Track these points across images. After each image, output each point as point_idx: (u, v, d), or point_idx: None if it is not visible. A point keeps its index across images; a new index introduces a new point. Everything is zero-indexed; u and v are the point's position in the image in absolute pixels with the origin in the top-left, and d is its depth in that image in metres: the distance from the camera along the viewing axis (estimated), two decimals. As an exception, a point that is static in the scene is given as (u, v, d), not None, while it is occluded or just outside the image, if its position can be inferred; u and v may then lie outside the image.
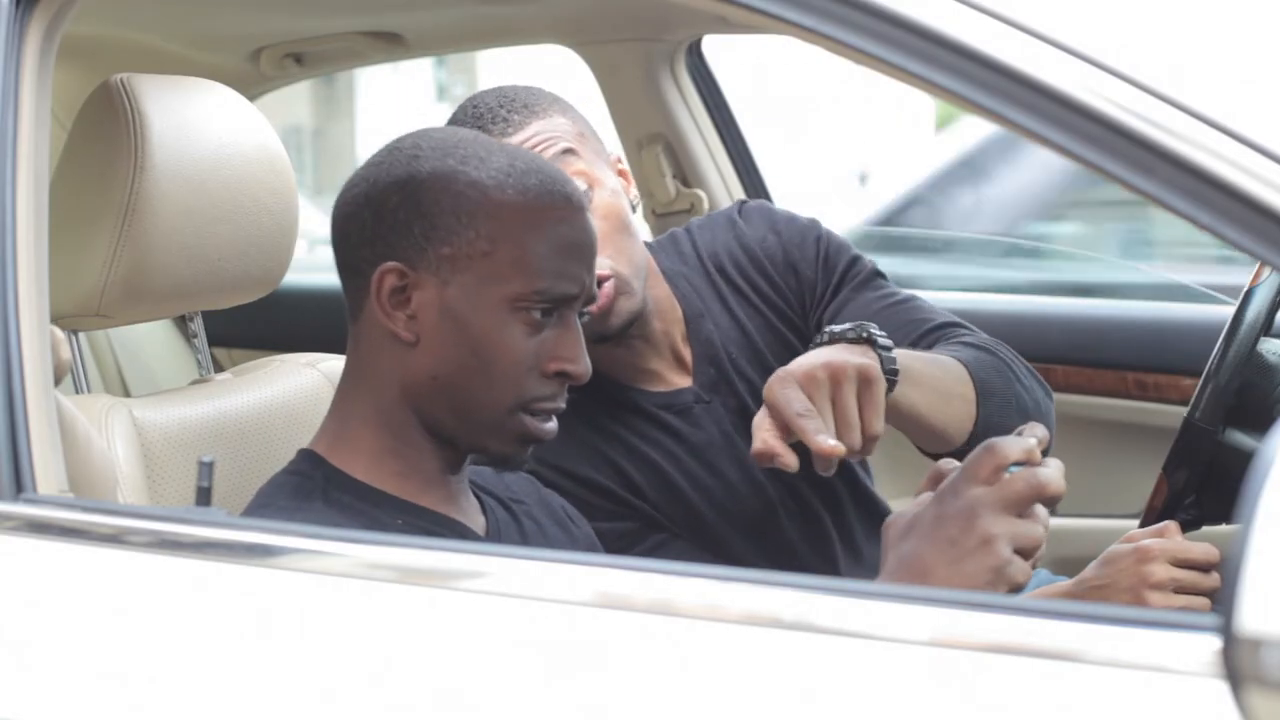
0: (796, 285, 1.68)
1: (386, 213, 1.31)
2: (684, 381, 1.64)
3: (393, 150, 1.35)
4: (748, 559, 1.57)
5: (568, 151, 1.51)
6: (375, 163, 1.35)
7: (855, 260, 1.68)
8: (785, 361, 1.61)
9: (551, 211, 1.30)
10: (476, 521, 1.39)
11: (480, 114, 1.53)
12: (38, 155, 1.20)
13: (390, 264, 1.30)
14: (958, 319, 1.65)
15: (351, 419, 1.35)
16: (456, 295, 1.29)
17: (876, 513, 1.70)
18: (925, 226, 5.11)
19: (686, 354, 1.65)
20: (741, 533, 1.60)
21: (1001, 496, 1.11)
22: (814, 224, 1.71)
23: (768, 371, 1.63)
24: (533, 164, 1.33)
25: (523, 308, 1.29)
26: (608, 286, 1.52)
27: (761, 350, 1.67)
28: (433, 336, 1.30)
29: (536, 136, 1.50)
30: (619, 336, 1.57)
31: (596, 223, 1.46)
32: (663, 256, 1.69)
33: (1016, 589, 1.11)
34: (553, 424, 1.34)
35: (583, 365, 1.32)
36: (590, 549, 1.48)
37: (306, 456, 1.36)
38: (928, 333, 1.61)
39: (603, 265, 1.50)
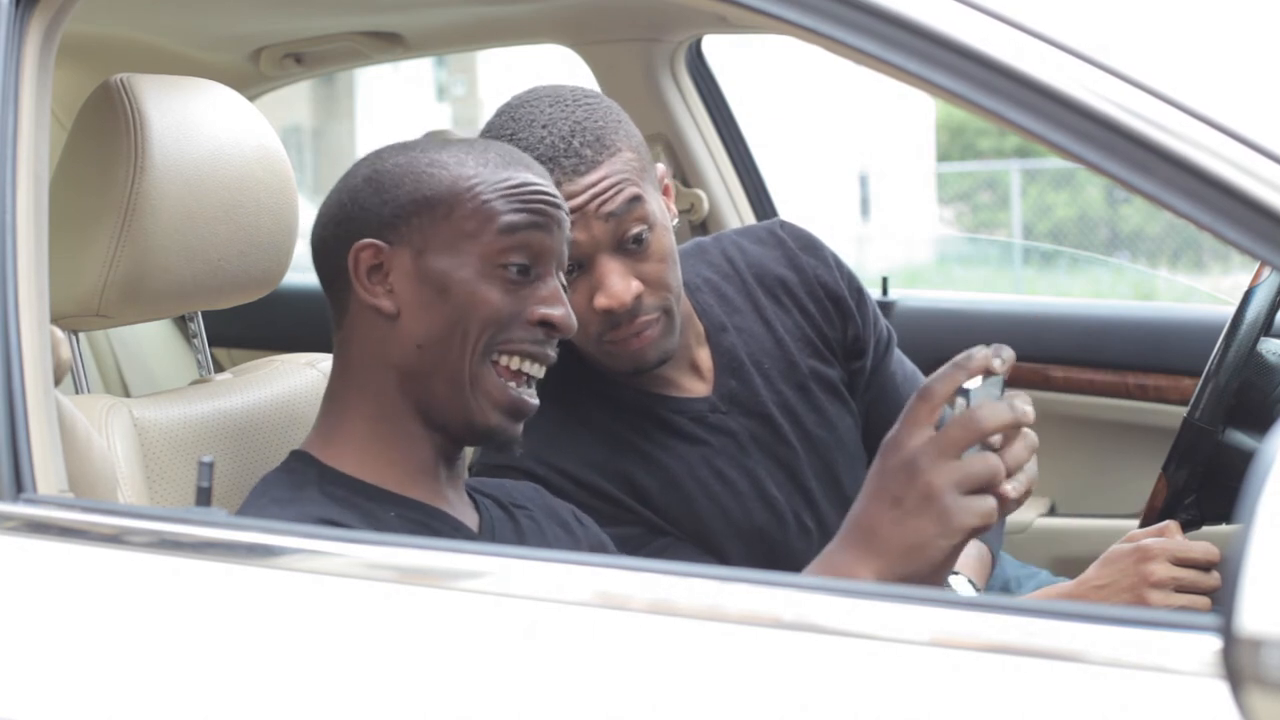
0: (841, 323, 1.72)
1: (356, 207, 1.36)
2: (701, 390, 1.64)
3: (357, 163, 1.41)
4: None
5: (634, 199, 1.49)
6: (343, 177, 1.41)
7: (883, 323, 1.76)
8: (820, 380, 1.69)
9: (513, 173, 1.35)
10: (469, 517, 1.40)
11: (553, 144, 1.48)
12: (38, 155, 1.20)
13: (364, 240, 1.34)
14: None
15: (343, 415, 1.38)
16: (432, 260, 1.33)
17: None
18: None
19: (704, 363, 1.65)
20: (747, 544, 1.60)
21: (938, 445, 1.06)
22: (854, 274, 1.76)
23: (800, 388, 1.66)
24: (490, 145, 1.38)
25: (499, 264, 1.32)
26: (652, 330, 1.53)
27: (798, 364, 1.68)
28: (413, 304, 1.33)
29: (606, 180, 1.48)
30: (653, 370, 1.58)
31: (653, 265, 1.51)
32: (686, 265, 1.69)
33: (981, 528, 1.06)
34: (535, 399, 1.37)
35: (567, 315, 1.35)
36: (597, 548, 1.48)
37: (298, 456, 1.38)
38: None
39: (652, 308, 1.52)
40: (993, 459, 1.07)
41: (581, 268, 1.50)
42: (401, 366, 1.34)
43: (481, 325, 1.32)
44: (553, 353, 1.37)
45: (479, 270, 1.32)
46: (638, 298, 1.50)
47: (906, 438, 1.08)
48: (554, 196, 1.37)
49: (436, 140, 1.40)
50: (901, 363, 1.77)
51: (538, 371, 1.37)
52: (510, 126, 1.51)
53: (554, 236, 1.35)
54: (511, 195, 1.34)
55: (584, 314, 1.51)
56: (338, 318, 1.39)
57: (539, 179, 1.36)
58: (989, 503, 1.06)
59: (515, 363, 1.34)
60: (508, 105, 1.55)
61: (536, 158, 1.47)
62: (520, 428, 1.37)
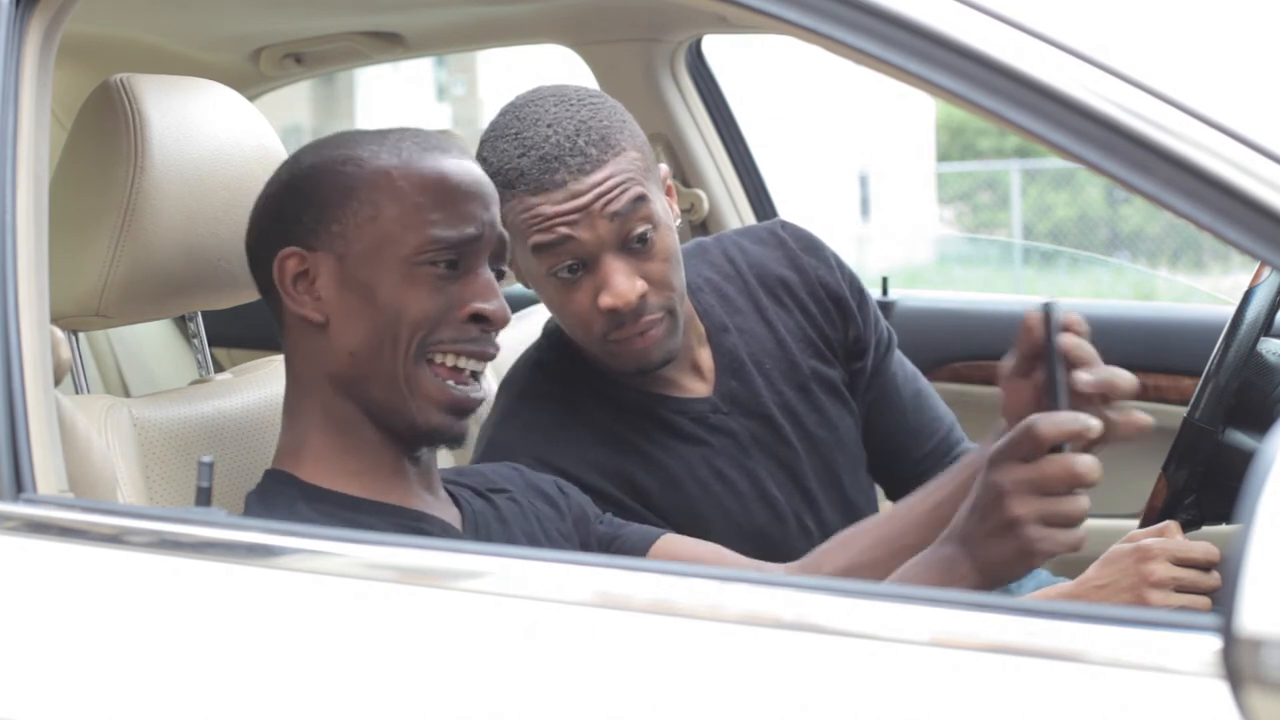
0: (842, 324, 1.72)
1: (276, 211, 1.35)
2: (703, 390, 1.64)
3: (278, 168, 1.40)
4: None
5: (639, 199, 1.49)
6: (265, 184, 1.39)
7: (884, 325, 1.77)
8: (821, 381, 1.69)
9: (429, 163, 1.31)
10: (449, 513, 1.39)
11: (558, 142, 1.47)
12: (38, 155, 1.20)
13: (286, 249, 1.32)
14: (950, 419, 1.78)
15: (303, 429, 1.36)
16: (355, 265, 1.30)
17: None
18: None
19: (706, 364, 1.65)
20: (747, 544, 1.59)
21: (1032, 480, 1.11)
22: (855, 275, 1.76)
23: (801, 388, 1.66)
24: (405, 133, 1.36)
25: (424, 262, 1.29)
26: (656, 330, 1.53)
27: (799, 364, 1.68)
28: (340, 312, 1.31)
29: (612, 179, 1.47)
30: (657, 370, 1.58)
31: (657, 265, 1.50)
32: (688, 265, 1.68)
33: (1068, 549, 1.14)
34: (479, 392, 1.33)
35: (501, 307, 1.31)
36: (580, 518, 1.48)
37: (274, 477, 1.37)
38: (943, 441, 1.75)
39: (656, 308, 1.52)
40: (1084, 503, 1.12)
41: (585, 267, 1.50)
42: (336, 375, 1.32)
43: (411, 329, 1.28)
44: (492, 350, 1.33)
45: (403, 272, 1.29)
46: (642, 297, 1.50)
47: (1002, 466, 1.12)
48: (478, 180, 1.33)
49: (349, 134, 1.37)
50: (902, 364, 1.77)
51: (478, 367, 1.33)
52: (515, 125, 1.51)
53: (480, 220, 1.31)
54: (432, 187, 1.30)
55: (588, 313, 1.50)
56: (279, 329, 1.37)
57: (459, 159, 1.33)
58: (1073, 535, 1.13)
59: (451, 359, 1.31)
60: (512, 104, 1.55)
61: (540, 156, 1.47)
62: (466, 423, 1.33)
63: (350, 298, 1.30)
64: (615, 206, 1.47)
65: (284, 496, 1.33)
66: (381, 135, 1.35)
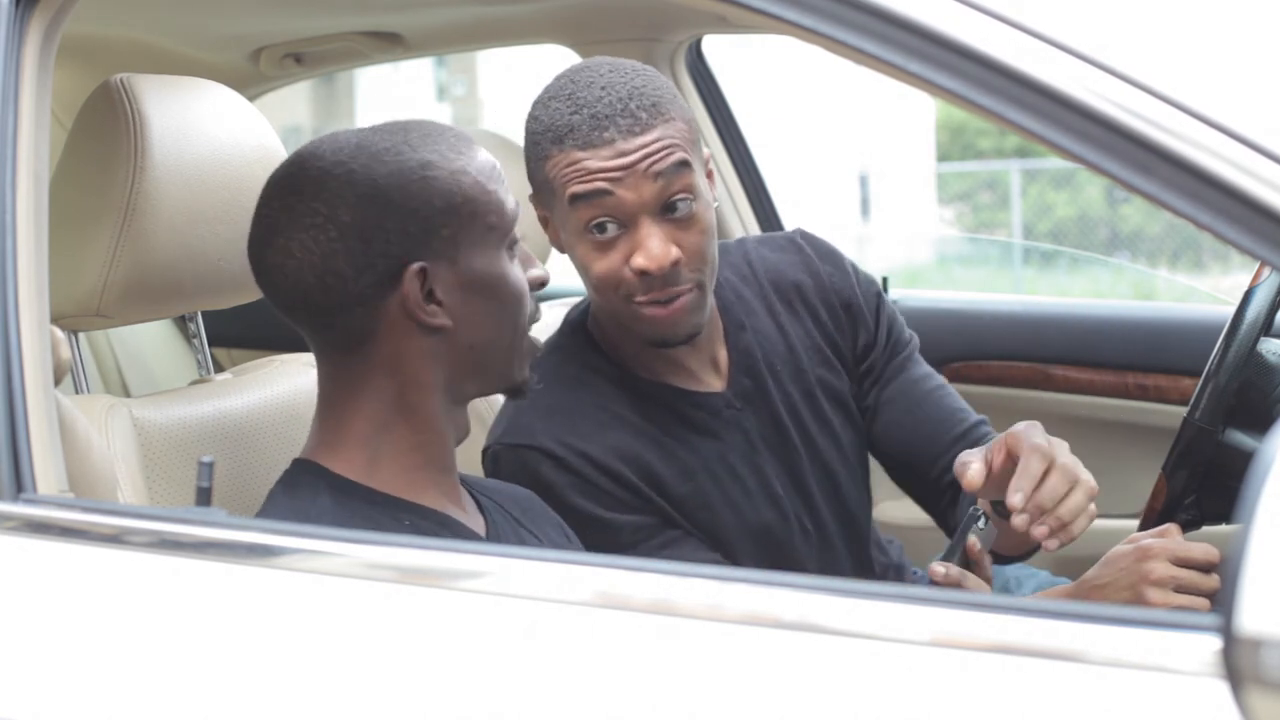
0: (852, 330, 1.74)
1: (372, 231, 1.31)
2: (717, 385, 1.66)
3: (322, 180, 1.32)
4: (754, 567, 1.58)
5: (683, 164, 1.51)
6: (309, 202, 1.32)
7: (905, 331, 1.78)
8: (827, 390, 1.71)
9: (481, 156, 1.40)
10: (475, 521, 1.41)
11: (610, 103, 1.50)
12: (38, 155, 1.20)
13: (414, 266, 1.31)
14: (979, 416, 1.76)
15: (350, 421, 1.35)
16: (468, 264, 1.35)
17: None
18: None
19: (722, 360, 1.67)
20: (752, 541, 1.61)
21: None
22: (874, 281, 1.78)
23: (807, 394, 1.67)
24: (435, 129, 1.41)
25: (511, 244, 1.39)
26: (684, 301, 1.54)
27: (806, 370, 1.70)
28: (464, 311, 1.35)
29: (659, 142, 1.50)
30: (681, 343, 1.59)
31: (694, 236, 1.54)
32: None
33: None
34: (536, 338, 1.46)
35: (543, 268, 1.45)
36: None
37: (303, 466, 1.36)
38: (966, 434, 1.73)
39: (687, 279, 1.53)
40: None
41: (624, 228, 1.51)
42: (454, 370, 1.37)
43: (523, 308, 1.39)
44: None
45: (507, 258, 1.38)
46: (675, 264, 1.51)
47: None
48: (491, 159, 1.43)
49: (389, 138, 1.36)
50: (930, 377, 1.77)
51: None
52: (569, 87, 1.53)
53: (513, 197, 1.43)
54: (492, 173, 1.38)
55: (619, 273, 1.53)
56: (353, 344, 1.33)
57: (481, 149, 1.42)
58: None
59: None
60: (567, 70, 1.58)
61: (592, 114, 1.50)
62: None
63: (474, 296, 1.36)
64: (659, 167, 1.49)
65: (309, 487, 1.33)
66: (426, 136, 1.37)
